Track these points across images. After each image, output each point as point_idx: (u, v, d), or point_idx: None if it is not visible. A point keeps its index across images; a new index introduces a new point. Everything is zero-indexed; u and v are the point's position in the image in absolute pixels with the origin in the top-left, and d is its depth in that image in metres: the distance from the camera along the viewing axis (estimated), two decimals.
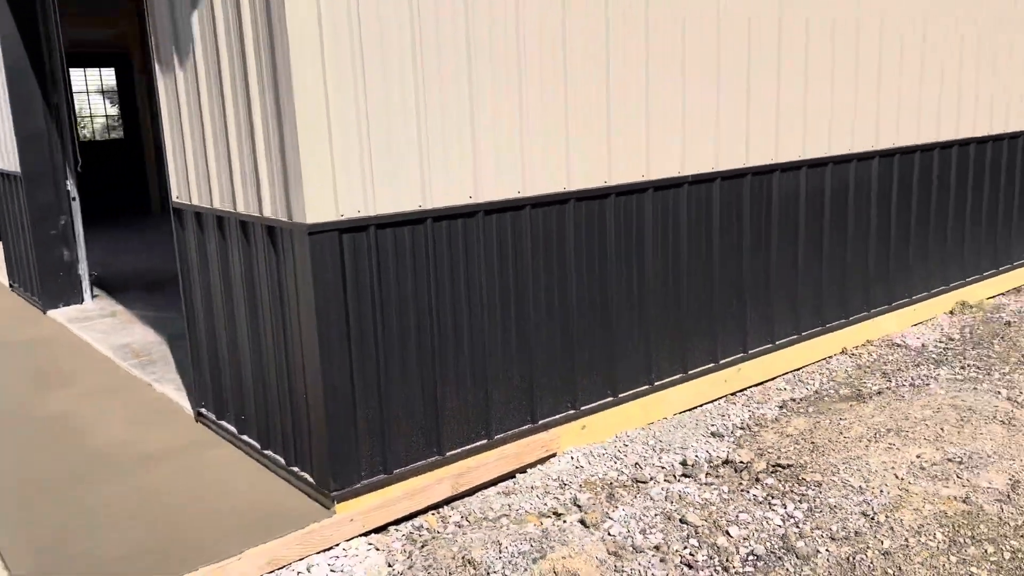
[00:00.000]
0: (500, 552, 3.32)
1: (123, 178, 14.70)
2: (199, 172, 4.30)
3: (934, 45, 6.28)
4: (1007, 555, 3.33)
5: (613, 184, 4.47)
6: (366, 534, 3.76)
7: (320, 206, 3.46)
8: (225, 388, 4.54)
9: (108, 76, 15.27)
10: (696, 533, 3.55)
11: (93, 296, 8.04)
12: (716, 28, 4.80)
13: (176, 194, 4.59)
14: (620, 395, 4.76)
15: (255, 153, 3.73)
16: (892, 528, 3.52)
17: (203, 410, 4.80)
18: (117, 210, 14.03)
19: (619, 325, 4.68)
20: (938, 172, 6.58)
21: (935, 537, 3.45)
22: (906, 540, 3.43)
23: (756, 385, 5.53)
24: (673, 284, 4.91)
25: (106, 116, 15.57)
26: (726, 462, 4.32)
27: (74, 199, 7.77)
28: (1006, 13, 6.93)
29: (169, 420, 4.96)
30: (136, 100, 14.39)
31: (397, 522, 3.87)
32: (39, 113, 7.45)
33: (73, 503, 3.95)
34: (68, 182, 7.69)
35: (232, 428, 4.51)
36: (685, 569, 3.29)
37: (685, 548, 3.43)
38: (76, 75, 14.82)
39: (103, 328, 7.01)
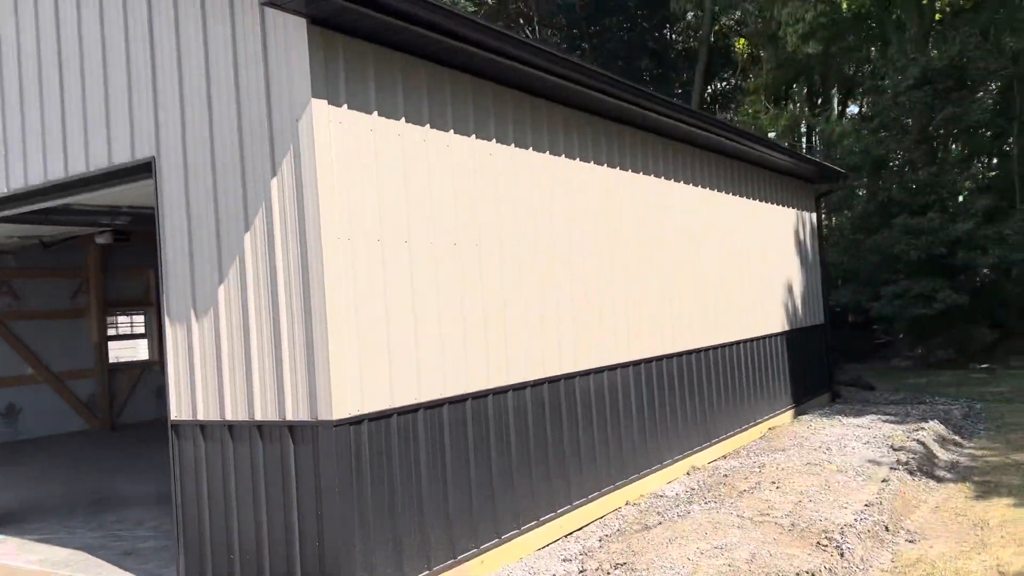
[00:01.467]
0: None
1: None
2: (208, 393, 5.91)
3: (699, 287, 9.50)
4: None
5: (491, 387, 6.73)
6: None
7: (340, 408, 5.34)
8: (219, 562, 5.87)
9: None
10: None
11: None
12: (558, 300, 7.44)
13: (175, 413, 6.08)
14: (502, 537, 6.74)
15: (281, 374, 5.53)
16: None
17: None
18: None
19: (498, 489, 6.75)
20: (667, 376, 9.60)
21: None
22: None
23: (579, 529, 7.75)
24: (527, 460, 7.12)
25: None
26: (582, 571, 6.43)
27: None
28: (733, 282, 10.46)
29: None
30: None
31: None
32: None
33: None
34: None
35: None
36: None
37: None
38: None
39: (2, 552, 7.58)
